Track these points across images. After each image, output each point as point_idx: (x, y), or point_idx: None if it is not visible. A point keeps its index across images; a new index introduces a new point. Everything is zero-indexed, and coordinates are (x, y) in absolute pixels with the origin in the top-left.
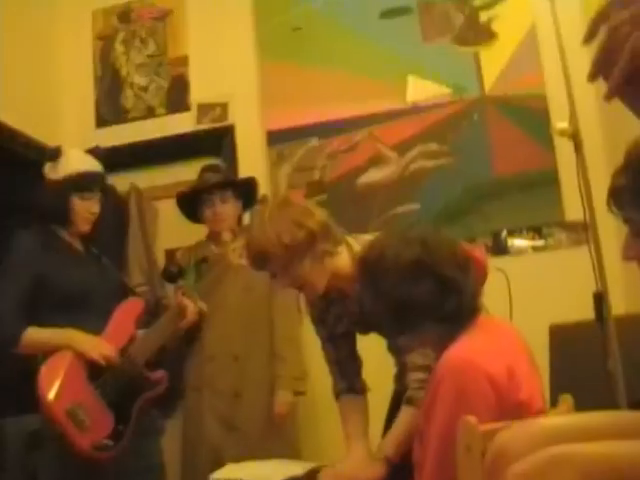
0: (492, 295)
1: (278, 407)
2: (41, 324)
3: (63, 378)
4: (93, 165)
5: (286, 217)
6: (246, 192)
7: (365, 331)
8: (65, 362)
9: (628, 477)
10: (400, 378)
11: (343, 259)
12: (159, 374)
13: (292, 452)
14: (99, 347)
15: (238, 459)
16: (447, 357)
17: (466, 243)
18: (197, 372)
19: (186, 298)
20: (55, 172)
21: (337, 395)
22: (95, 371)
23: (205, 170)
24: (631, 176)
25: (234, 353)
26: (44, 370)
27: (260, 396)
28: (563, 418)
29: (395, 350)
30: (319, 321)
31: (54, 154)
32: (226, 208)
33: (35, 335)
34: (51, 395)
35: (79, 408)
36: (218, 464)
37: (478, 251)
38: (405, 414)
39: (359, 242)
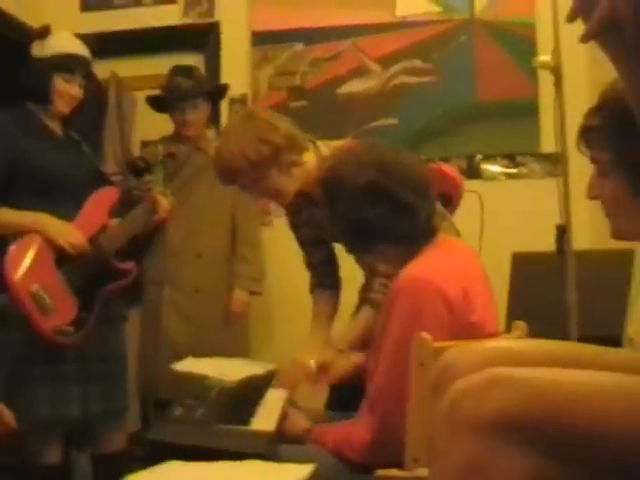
0: (463, 216)
1: (234, 305)
2: (15, 207)
3: (30, 260)
4: (80, 49)
5: (250, 133)
6: (218, 96)
7: (333, 239)
8: (34, 245)
9: (564, 405)
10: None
11: (310, 165)
12: (128, 265)
13: (243, 350)
14: (68, 234)
15: (193, 352)
16: (403, 275)
17: (441, 162)
18: (159, 267)
19: (159, 194)
20: (41, 51)
21: (311, 289)
22: (64, 257)
23: (176, 72)
24: (603, 117)
25: (197, 250)
26: (12, 250)
27: (218, 293)
28: (511, 342)
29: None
30: (292, 226)
31: (42, 33)
32: (196, 114)
33: (6, 216)
34: (17, 275)
35: (44, 291)
36: (175, 356)
37: (451, 170)
38: (364, 313)
39: (329, 147)
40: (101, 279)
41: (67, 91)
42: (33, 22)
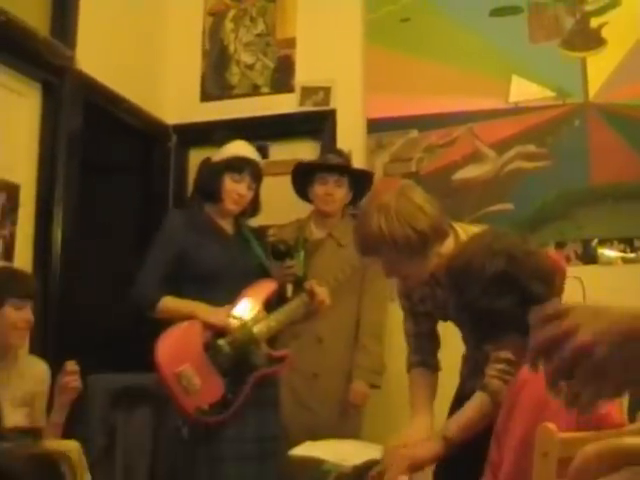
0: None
1: (354, 396)
2: (179, 295)
3: (179, 343)
4: (250, 153)
5: (401, 215)
6: (360, 184)
7: (445, 319)
8: (184, 329)
9: None
10: (470, 372)
11: (447, 248)
12: (282, 353)
13: (355, 437)
14: (218, 315)
15: (306, 436)
16: None
17: (550, 249)
18: (279, 346)
19: (316, 284)
20: (218, 156)
21: (409, 367)
22: (214, 341)
23: (328, 151)
24: None
25: (319, 335)
26: (163, 334)
27: (336, 380)
28: None
29: (472, 346)
30: (404, 295)
31: (219, 140)
32: (339, 191)
33: (169, 303)
34: (164, 357)
35: (190, 372)
36: (288, 438)
37: (558, 257)
38: (477, 400)
39: (466, 232)
40: (250, 363)
41: (235, 190)
42: (156, 113)
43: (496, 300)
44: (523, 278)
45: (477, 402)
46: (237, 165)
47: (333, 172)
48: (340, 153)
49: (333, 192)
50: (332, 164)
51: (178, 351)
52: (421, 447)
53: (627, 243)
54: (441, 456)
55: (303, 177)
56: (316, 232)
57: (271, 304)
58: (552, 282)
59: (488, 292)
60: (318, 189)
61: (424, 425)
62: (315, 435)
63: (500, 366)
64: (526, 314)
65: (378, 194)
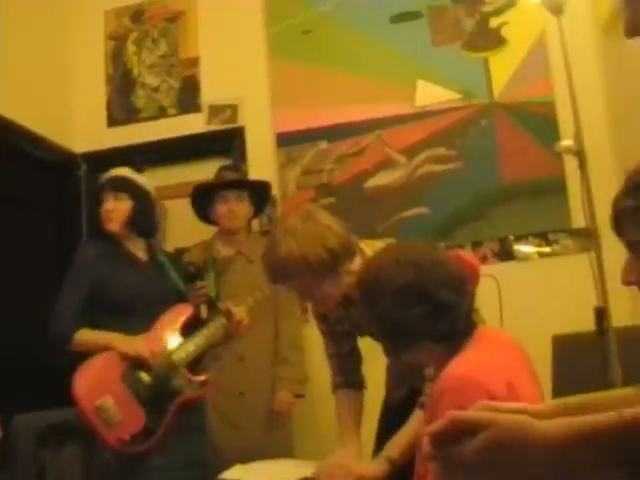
0: (484, 301)
1: (278, 405)
2: (95, 326)
3: (96, 376)
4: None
5: (311, 237)
6: (259, 196)
7: (362, 335)
8: (101, 361)
9: None
10: (394, 382)
11: (356, 265)
12: (202, 377)
13: (286, 451)
14: (134, 345)
15: (238, 456)
16: (446, 374)
17: (459, 249)
18: (201, 369)
19: (232, 305)
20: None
21: (334, 388)
22: (132, 370)
23: (223, 169)
24: (636, 198)
25: (240, 353)
26: (80, 368)
27: (262, 396)
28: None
29: (392, 357)
30: (320, 318)
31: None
32: (241, 206)
33: (85, 336)
34: (82, 391)
35: (109, 404)
36: (219, 460)
37: (471, 258)
38: (418, 417)
39: (372, 249)
40: (170, 390)
41: (104, 208)
42: (64, 142)
43: (405, 312)
44: (432, 287)
45: (416, 421)
46: (113, 185)
47: (232, 188)
48: (236, 168)
49: (236, 208)
50: (230, 180)
51: (96, 383)
52: (367, 466)
53: (542, 238)
54: (386, 476)
55: (203, 199)
56: (223, 251)
57: (188, 328)
58: (463, 290)
59: (396, 304)
60: (220, 208)
61: (354, 448)
62: (246, 454)
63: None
64: (436, 324)
65: (282, 223)
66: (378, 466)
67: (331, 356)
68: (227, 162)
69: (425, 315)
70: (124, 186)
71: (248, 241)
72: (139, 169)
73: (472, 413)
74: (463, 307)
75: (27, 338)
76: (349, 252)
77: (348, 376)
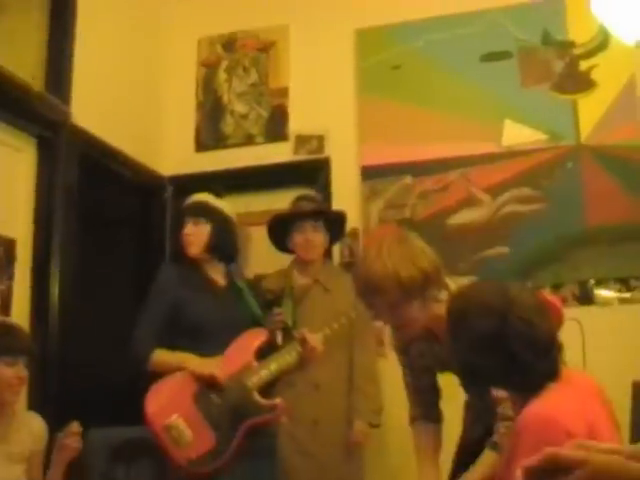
0: (565, 344)
1: (356, 435)
2: (173, 347)
3: (169, 395)
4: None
5: (405, 255)
6: (336, 226)
7: (444, 371)
8: (174, 381)
9: None
10: (472, 420)
11: (444, 296)
12: (272, 402)
13: None
14: (207, 366)
15: None
16: (527, 413)
17: (546, 291)
18: (274, 395)
19: (308, 332)
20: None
21: (411, 420)
22: (204, 392)
23: (300, 199)
24: None
25: (315, 381)
26: (153, 387)
27: (336, 425)
28: None
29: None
30: (401, 351)
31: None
32: (317, 236)
33: (161, 357)
34: (153, 409)
35: (179, 423)
36: None
37: (554, 299)
38: (487, 458)
39: (456, 284)
40: (241, 413)
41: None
42: (152, 164)
43: (479, 358)
44: (511, 343)
45: (488, 459)
46: (193, 210)
47: (308, 218)
48: (312, 199)
49: (312, 238)
50: (306, 211)
51: (168, 402)
52: None
53: (623, 283)
54: None
55: (281, 228)
56: (300, 279)
57: (263, 353)
58: (545, 351)
59: (474, 348)
60: (297, 237)
61: (434, 477)
62: None
63: (508, 423)
64: (508, 376)
65: (377, 240)
66: None
67: (410, 389)
68: (307, 192)
69: (498, 366)
70: (203, 211)
71: (324, 270)
72: (218, 194)
73: (568, 451)
74: (540, 366)
75: (108, 356)
76: (440, 277)
77: (426, 409)
